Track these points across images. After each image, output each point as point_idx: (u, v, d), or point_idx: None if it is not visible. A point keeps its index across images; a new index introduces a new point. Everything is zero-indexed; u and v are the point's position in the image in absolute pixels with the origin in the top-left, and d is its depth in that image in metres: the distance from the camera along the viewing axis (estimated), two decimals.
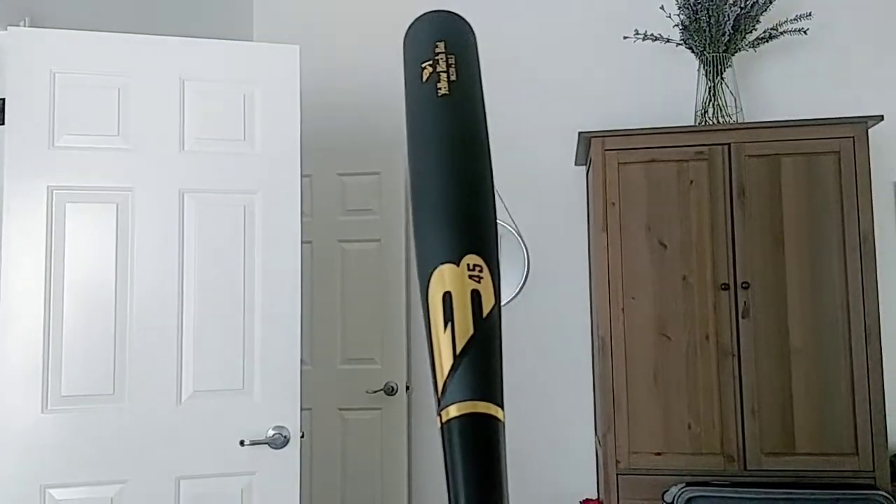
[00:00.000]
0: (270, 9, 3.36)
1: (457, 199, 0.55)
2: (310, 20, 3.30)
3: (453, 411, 0.49)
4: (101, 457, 1.92)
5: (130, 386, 1.95)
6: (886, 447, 2.36)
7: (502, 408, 0.50)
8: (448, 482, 0.49)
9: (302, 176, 2.14)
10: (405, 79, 0.60)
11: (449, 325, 0.51)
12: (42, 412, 1.89)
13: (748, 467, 2.40)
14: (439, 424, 0.49)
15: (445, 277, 0.52)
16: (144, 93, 2.03)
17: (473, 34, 0.63)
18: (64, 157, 1.96)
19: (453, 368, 0.50)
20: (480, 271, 0.52)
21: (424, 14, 0.63)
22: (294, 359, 2.06)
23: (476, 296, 0.51)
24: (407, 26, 0.63)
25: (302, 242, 2.13)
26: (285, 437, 2.00)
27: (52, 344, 1.91)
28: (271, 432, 2.00)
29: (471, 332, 0.50)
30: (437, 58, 0.58)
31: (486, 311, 0.51)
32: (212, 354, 2.01)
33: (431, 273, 0.52)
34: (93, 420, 1.92)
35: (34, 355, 1.90)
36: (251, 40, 3.22)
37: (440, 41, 0.60)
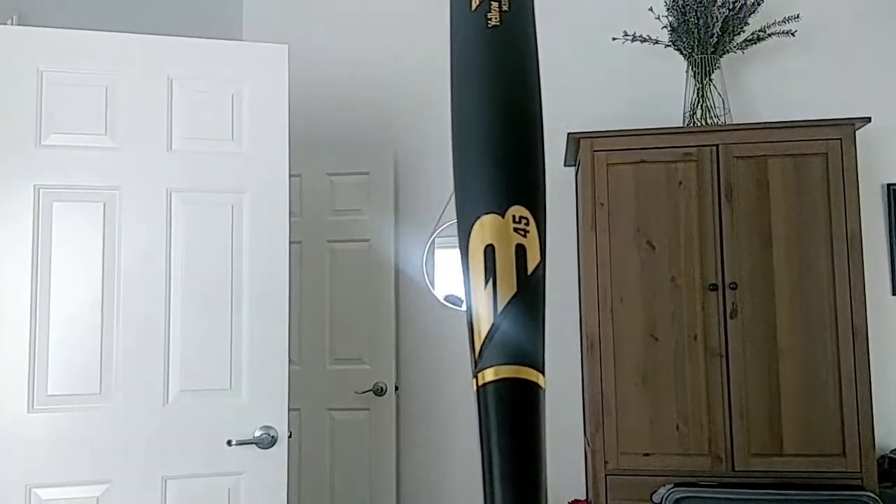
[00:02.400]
0: (260, 8, 3.36)
1: (505, 143, 0.49)
2: (299, 20, 3.29)
3: (490, 375, 0.45)
4: (88, 456, 1.91)
5: (117, 385, 1.94)
6: (874, 448, 2.37)
7: (543, 374, 0.46)
8: (482, 451, 0.45)
9: (291, 175, 2.14)
10: (451, 5, 0.54)
11: (490, 281, 0.46)
12: (28, 412, 1.88)
13: (736, 468, 2.41)
14: (474, 388, 0.45)
15: (488, 229, 0.47)
16: (132, 91, 2.02)
17: None
18: (51, 156, 1.96)
19: (493, 329, 0.46)
20: (527, 224, 0.48)
21: None
22: (282, 359, 2.05)
23: (521, 251, 0.47)
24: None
25: (291, 242, 2.13)
26: (273, 437, 2.00)
27: (39, 343, 1.91)
28: (259, 432, 2.00)
29: (514, 290, 0.47)
30: None
31: (530, 268, 0.48)
32: (199, 354, 2.00)
33: (473, 223, 0.48)
34: (79, 419, 1.91)
35: (20, 354, 1.89)
36: (241, 40, 3.22)
37: None
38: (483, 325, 0.46)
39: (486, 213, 0.47)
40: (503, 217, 0.47)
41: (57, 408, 1.91)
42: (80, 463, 1.90)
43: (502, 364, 0.45)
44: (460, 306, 3.01)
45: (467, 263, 0.48)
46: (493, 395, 0.44)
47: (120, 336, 1.95)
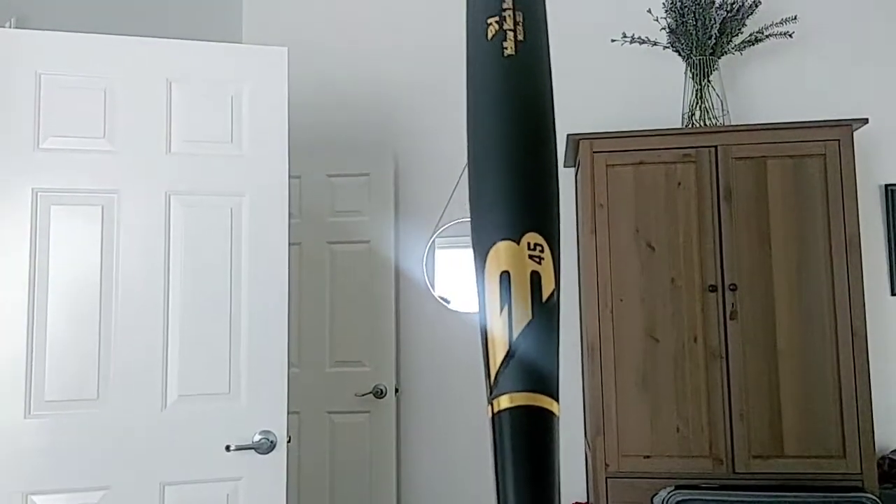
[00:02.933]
0: (259, 11, 3.35)
1: (521, 171, 0.50)
2: (299, 22, 3.29)
3: (505, 402, 0.45)
4: (85, 462, 1.90)
5: (115, 390, 1.93)
6: (874, 450, 2.37)
7: (557, 400, 0.47)
8: (497, 477, 0.45)
9: (291, 177, 2.13)
10: (468, 33, 0.55)
11: (506, 307, 0.47)
12: (25, 417, 1.87)
13: (736, 470, 2.41)
14: (490, 415, 0.46)
15: (504, 256, 0.48)
16: (131, 94, 2.02)
17: None
18: (49, 159, 1.95)
19: (508, 355, 0.46)
20: (541, 251, 0.49)
21: None
22: (281, 362, 2.05)
23: (536, 278, 0.48)
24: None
25: (290, 244, 2.12)
26: (272, 441, 1.99)
27: (36, 348, 1.90)
28: (257, 437, 1.99)
29: (529, 316, 0.47)
30: (504, 13, 0.54)
31: (545, 295, 0.48)
32: (198, 358, 2.00)
33: (489, 250, 0.48)
34: (76, 425, 1.90)
35: (17, 359, 1.88)
36: (240, 42, 3.21)
37: None
38: (498, 352, 0.46)
39: (502, 240, 0.48)
40: (518, 244, 0.48)
41: (54, 413, 1.89)
42: (77, 469, 1.89)
43: (518, 391, 0.45)
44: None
45: (483, 290, 0.48)
46: (509, 423, 0.45)
47: (118, 341, 1.94)
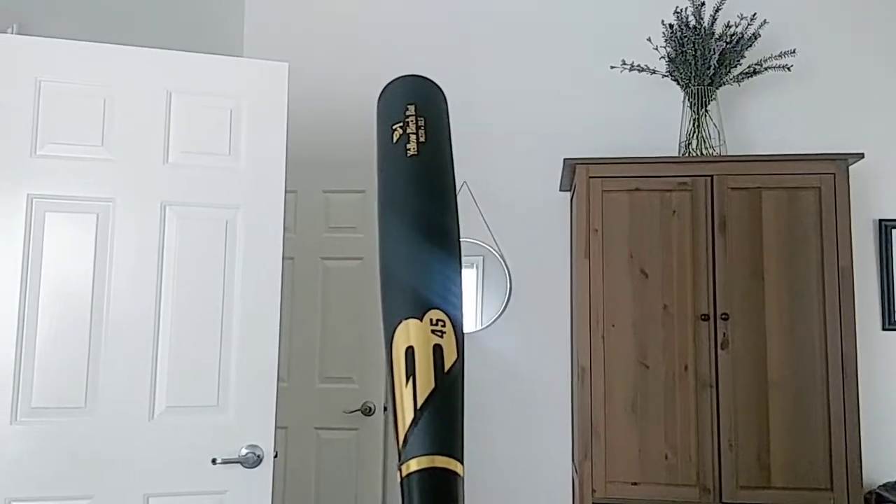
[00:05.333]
0: (261, 26, 3.37)
1: (422, 258, 0.56)
2: (300, 37, 3.31)
3: (413, 465, 0.49)
4: (70, 471, 1.88)
5: (103, 399, 1.92)
6: (861, 483, 2.36)
7: (462, 462, 0.50)
8: None
9: (287, 191, 2.14)
10: (377, 139, 0.62)
11: (411, 379, 0.51)
12: (11, 424, 1.86)
13: (724, 500, 2.40)
14: (399, 479, 0.50)
15: (409, 332, 0.53)
16: (130, 104, 2.02)
17: (444, 98, 0.65)
18: (46, 166, 1.95)
19: (414, 422, 0.50)
20: (443, 326, 0.53)
21: (397, 78, 0.66)
22: (271, 377, 2.03)
23: (438, 350, 0.52)
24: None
25: (284, 258, 2.12)
26: (258, 456, 1.97)
27: (25, 354, 1.88)
28: (244, 451, 1.97)
29: (432, 386, 0.51)
30: (407, 120, 0.61)
31: (447, 365, 0.52)
32: (187, 370, 1.99)
33: (396, 327, 0.53)
34: (63, 433, 1.89)
35: (6, 365, 1.87)
36: (241, 56, 3.23)
37: (411, 104, 0.62)
38: (406, 419, 0.51)
39: (407, 318, 0.53)
40: (422, 320, 0.53)
41: (40, 420, 1.88)
42: (61, 477, 1.87)
43: (424, 455, 0.49)
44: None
45: (391, 364, 0.53)
46: (417, 485, 0.49)
47: (107, 350, 1.93)
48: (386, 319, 0.54)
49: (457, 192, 0.60)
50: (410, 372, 0.51)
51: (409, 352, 0.52)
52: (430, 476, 0.49)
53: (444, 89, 0.67)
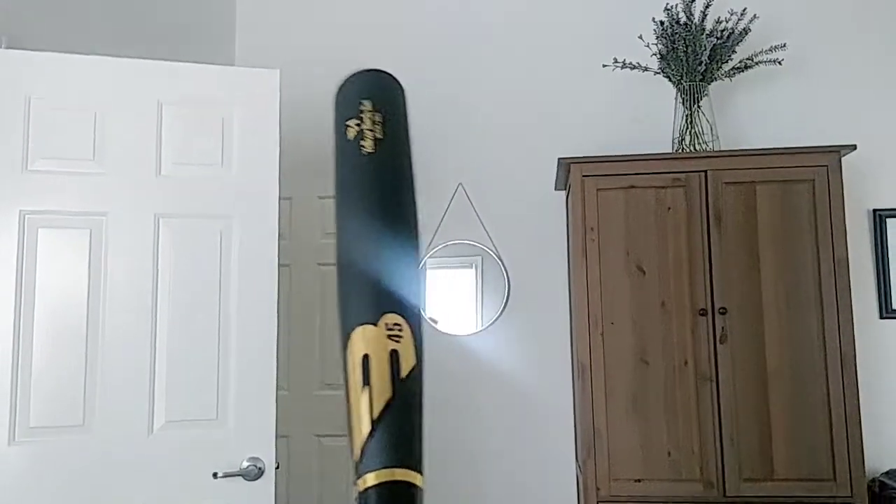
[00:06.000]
0: (252, 33, 3.36)
1: (377, 261, 0.54)
2: (292, 44, 3.29)
3: (371, 479, 0.47)
4: (70, 490, 1.87)
5: (101, 416, 1.90)
6: (864, 472, 2.37)
7: (421, 472, 0.48)
8: None
9: (281, 198, 2.13)
10: (334, 137, 0.59)
11: (367, 388, 0.49)
12: (9, 444, 1.84)
13: (727, 493, 2.40)
14: (355, 494, 0.48)
15: (364, 338, 0.50)
16: (121, 116, 2.01)
17: (403, 92, 0.63)
18: (37, 181, 1.93)
19: (370, 434, 0.48)
20: (400, 330, 0.51)
21: (353, 73, 0.63)
22: (270, 387, 2.02)
23: (395, 356, 0.50)
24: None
25: (280, 265, 2.11)
26: (260, 468, 1.96)
27: (21, 373, 1.87)
28: (245, 463, 1.96)
29: (388, 394, 0.49)
30: (362, 116, 0.58)
31: (404, 371, 0.50)
32: (185, 383, 1.97)
33: (350, 334, 0.51)
34: (61, 451, 1.87)
35: (2, 385, 1.85)
36: (233, 65, 3.21)
37: (366, 99, 0.60)
38: (363, 431, 0.48)
39: (361, 325, 0.51)
40: (377, 325, 0.51)
41: (39, 440, 1.86)
42: (61, 496, 1.86)
43: (382, 468, 0.47)
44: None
45: (346, 374, 0.51)
46: (375, 499, 0.47)
47: (104, 366, 1.92)
48: (342, 328, 0.52)
49: (415, 189, 0.58)
50: (367, 380, 0.49)
51: (365, 359, 0.50)
52: (390, 490, 0.47)
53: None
